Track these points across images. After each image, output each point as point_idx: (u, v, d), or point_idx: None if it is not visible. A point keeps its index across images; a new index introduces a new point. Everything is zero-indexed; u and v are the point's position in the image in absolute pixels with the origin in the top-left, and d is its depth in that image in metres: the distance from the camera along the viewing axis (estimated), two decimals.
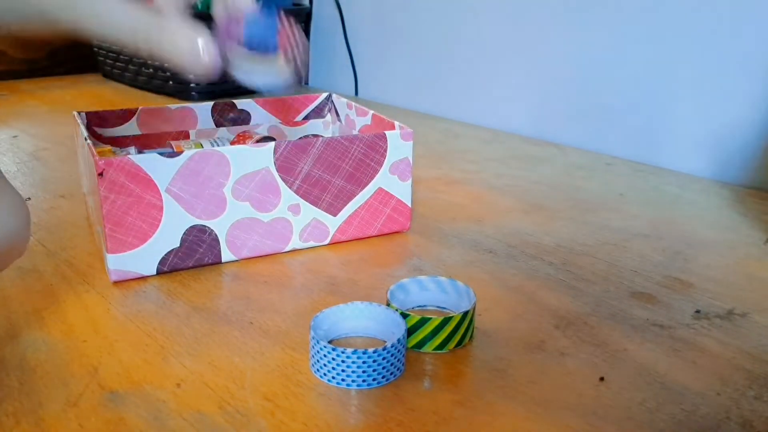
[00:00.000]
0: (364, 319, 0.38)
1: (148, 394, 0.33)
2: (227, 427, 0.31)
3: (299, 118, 0.66)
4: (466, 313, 0.38)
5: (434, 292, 0.42)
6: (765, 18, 0.67)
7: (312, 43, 1.21)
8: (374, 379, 0.34)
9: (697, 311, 0.43)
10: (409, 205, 0.53)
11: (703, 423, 0.32)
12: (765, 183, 0.69)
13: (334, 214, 0.50)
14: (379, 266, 0.48)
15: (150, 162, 0.43)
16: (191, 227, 0.46)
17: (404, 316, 0.37)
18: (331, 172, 0.49)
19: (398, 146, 0.51)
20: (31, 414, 0.32)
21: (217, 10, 0.43)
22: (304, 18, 1.16)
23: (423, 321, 0.37)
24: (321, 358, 0.34)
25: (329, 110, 0.67)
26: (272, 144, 0.47)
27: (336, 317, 0.38)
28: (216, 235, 0.47)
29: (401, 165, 0.52)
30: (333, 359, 0.34)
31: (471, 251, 0.51)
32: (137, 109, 0.58)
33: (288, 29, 0.44)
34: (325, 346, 0.34)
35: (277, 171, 0.47)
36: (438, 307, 0.42)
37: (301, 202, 0.49)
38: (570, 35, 0.83)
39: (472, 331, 0.39)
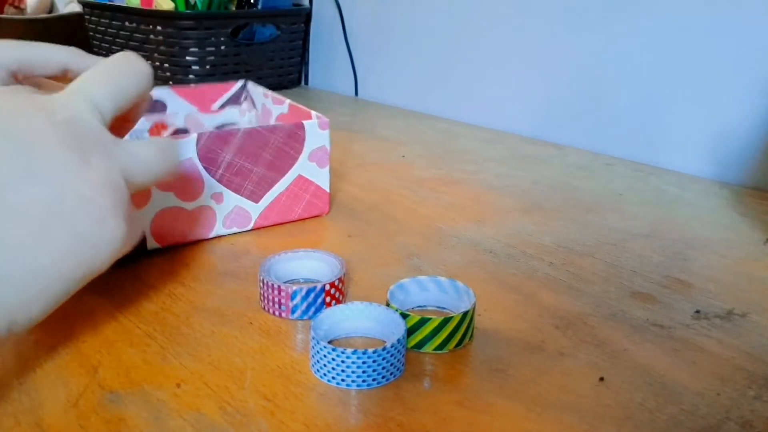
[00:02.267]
0: (364, 320, 0.38)
1: (148, 395, 0.33)
2: (227, 427, 0.31)
3: (215, 106, 0.66)
4: (465, 313, 0.38)
5: (434, 292, 0.42)
6: (765, 18, 0.67)
7: (312, 44, 1.21)
8: (374, 379, 0.34)
9: (697, 311, 0.43)
10: (328, 190, 0.56)
11: (703, 423, 0.32)
12: (765, 183, 0.69)
13: (256, 201, 0.52)
14: (378, 266, 0.48)
15: None
16: None
17: (404, 316, 0.37)
18: (252, 161, 0.51)
19: (315, 135, 0.53)
20: (31, 414, 0.32)
21: None
22: (304, 18, 1.16)
23: (423, 321, 0.37)
24: (321, 359, 0.34)
25: (245, 98, 0.67)
26: (195, 135, 0.48)
27: (336, 317, 0.38)
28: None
29: (319, 153, 0.54)
30: (333, 359, 0.34)
31: (471, 251, 0.51)
32: None
33: None
34: (324, 347, 0.34)
35: (200, 161, 0.49)
36: (438, 307, 0.42)
37: (224, 190, 0.51)
38: (570, 36, 0.83)
39: (472, 331, 0.39)
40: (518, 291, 0.45)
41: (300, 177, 0.54)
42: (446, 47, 0.99)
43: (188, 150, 0.48)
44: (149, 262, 0.48)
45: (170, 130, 0.62)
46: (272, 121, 0.63)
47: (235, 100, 0.67)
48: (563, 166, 0.74)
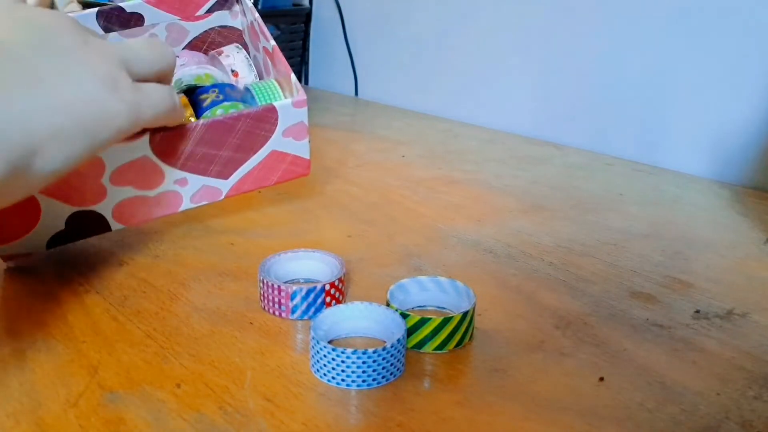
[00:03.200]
0: (364, 320, 0.38)
1: (148, 395, 0.33)
2: (227, 427, 0.31)
3: (201, 11, 0.61)
4: (465, 313, 0.38)
5: (434, 292, 0.42)
6: (765, 18, 0.67)
7: (312, 44, 1.21)
8: (374, 379, 0.34)
9: (697, 311, 0.43)
10: (308, 157, 0.53)
11: (703, 423, 0.32)
12: (765, 183, 0.69)
13: (226, 178, 0.50)
14: (378, 266, 0.48)
15: None
16: (73, 213, 0.47)
17: (404, 316, 0.37)
18: (217, 147, 0.49)
19: (290, 114, 0.50)
20: (31, 414, 0.32)
21: None
22: (304, 18, 1.16)
23: (423, 321, 0.37)
24: (321, 359, 0.34)
25: (232, 3, 0.62)
26: (146, 136, 0.46)
27: (336, 317, 0.38)
28: (101, 214, 0.47)
29: (296, 128, 0.51)
30: (333, 359, 0.34)
31: (470, 251, 0.51)
32: None
33: None
34: (324, 347, 0.34)
35: (157, 156, 0.47)
36: (438, 307, 0.42)
37: (188, 175, 0.49)
38: (570, 36, 0.83)
39: (472, 331, 0.39)
40: (518, 291, 0.45)
41: (274, 152, 0.51)
42: (446, 47, 0.99)
43: (142, 149, 0.46)
44: (149, 261, 0.48)
45: None
46: (260, 46, 0.59)
47: (221, 4, 0.61)
48: (563, 166, 0.74)
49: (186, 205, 0.50)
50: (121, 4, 0.58)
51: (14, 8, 0.33)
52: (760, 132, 0.69)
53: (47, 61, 0.31)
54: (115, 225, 0.48)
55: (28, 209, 0.45)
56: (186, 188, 0.49)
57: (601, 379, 0.36)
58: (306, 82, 1.24)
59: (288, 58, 1.15)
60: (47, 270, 0.47)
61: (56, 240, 0.47)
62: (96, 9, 0.57)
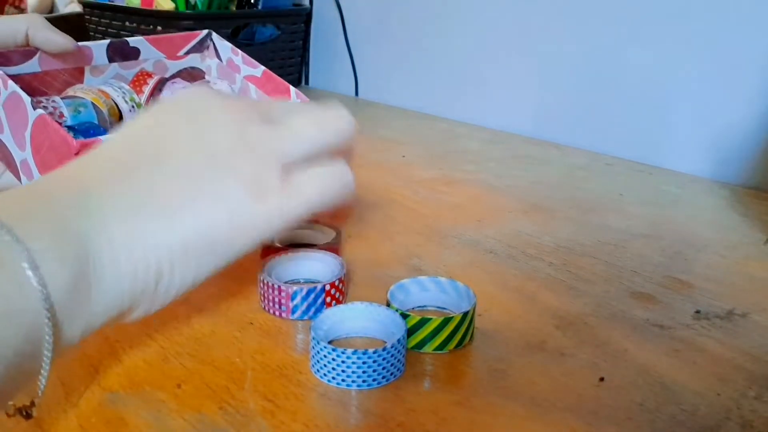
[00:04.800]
0: (365, 320, 0.38)
1: (149, 395, 0.33)
2: (227, 427, 0.31)
3: (182, 52, 0.70)
4: (466, 314, 0.38)
5: (434, 292, 0.42)
6: (765, 18, 0.67)
7: (312, 44, 1.21)
8: (374, 380, 0.34)
9: (697, 311, 0.43)
10: None
11: (703, 423, 0.32)
12: (765, 183, 0.69)
13: None
14: (378, 266, 0.48)
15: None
16: None
17: (404, 316, 0.37)
18: None
19: None
20: None
21: None
22: (304, 18, 1.16)
23: (423, 321, 0.37)
24: (321, 359, 0.34)
25: (207, 47, 0.72)
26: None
27: (336, 318, 0.38)
28: None
29: None
30: (333, 359, 0.34)
31: (471, 251, 0.51)
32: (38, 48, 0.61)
33: None
34: (325, 347, 0.34)
35: None
36: (438, 307, 0.42)
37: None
38: (570, 36, 0.83)
39: (473, 331, 0.39)
40: (518, 291, 0.45)
41: None
42: (446, 47, 0.99)
43: None
44: None
45: (156, 78, 0.65)
46: (239, 78, 0.67)
47: (198, 48, 0.71)
48: (563, 166, 0.74)
49: None
50: (126, 39, 0.66)
51: (189, 101, 0.31)
52: (759, 132, 0.69)
53: (193, 173, 0.29)
54: None
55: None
56: None
57: (602, 379, 0.36)
58: (306, 82, 1.24)
59: (288, 58, 1.15)
60: None
61: None
62: (108, 41, 0.65)
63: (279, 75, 1.19)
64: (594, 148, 0.81)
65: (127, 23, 1.07)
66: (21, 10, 1.39)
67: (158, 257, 0.27)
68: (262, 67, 0.64)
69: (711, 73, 0.71)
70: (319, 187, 0.32)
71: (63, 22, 1.27)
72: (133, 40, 0.66)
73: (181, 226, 0.28)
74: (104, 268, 0.26)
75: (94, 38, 1.16)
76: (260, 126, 0.31)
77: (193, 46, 0.70)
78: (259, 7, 1.08)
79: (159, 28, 1.01)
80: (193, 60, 0.71)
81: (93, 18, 1.15)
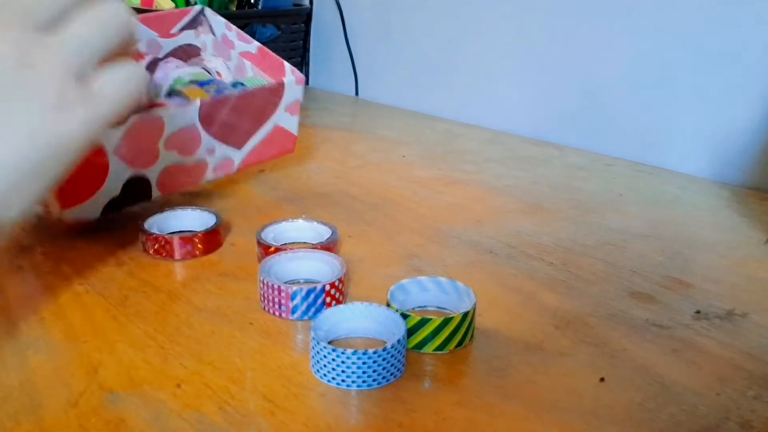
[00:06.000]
0: (365, 320, 0.38)
1: (148, 395, 0.33)
2: (227, 427, 0.31)
3: (175, 30, 0.70)
4: (466, 314, 0.38)
5: (434, 292, 0.42)
6: (765, 18, 0.67)
7: (312, 44, 1.21)
8: (374, 380, 0.34)
9: (697, 311, 0.43)
10: (295, 133, 0.64)
11: (703, 423, 0.32)
12: (765, 183, 0.69)
13: (239, 148, 0.59)
14: (378, 266, 0.48)
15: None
16: (129, 178, 0.52)
17: (404, 316, 0.37)
18: (241, 117, 0.58)
19: (292, 89, 0.61)
20: (31, 414, 0.32)
21: None
22: (304, 18, 1.16)
23: (423, 321, 0.37)
24: (321, 359, 0.34)
25: (201, 23, 0.72)
26: (197, 102, 0.54)
27: (336, 318, 0.38)
28: (148, 180, 0.54)
29: (293, 105, 0.62)
30: (333, 360, 0.34)
31: (471, 251, 0.51)
32: None
33: None
34: (325, 347, 0.34)
35: (201, 123, 0.55)
36: (438, 307, 0.42)
37: (217, 144, 0.57)
38: (570, 36, 0.83)
39: (473, 331, 0.39)
40: (518, 291, 0.45)
41: (276, 126, 0.61)
42: (446, 47, 0.99)
43: (192, 116, 0.54)
44: (149, 261, 0.48)
45: (149, 59, 0.65)
46: (234, 54, 0.69)
47: (191, 24, 0.71)
48: (563, 166, 0.74)
49: (208, 176, 0.58)
50: None
51: None
52: (760, 132, 0.69)
53: None
54: (155, 193, 0.54)
55: (95, 171, 0.50)
56: (212, 158, 0.57)
57: (602, 379, 0.36)
58: (306, 82, 1.24)
59: (288, 58, 1.15)
60: (47, 270, 0.47)
61: (111, 206, 0.52)
62: None
63: None
64: (594, 148, 0.81)
65: None
66: None
67: None
68: (257, 43, 0.65)
69: (711, 73, 0.71)
70: (118, 88, 0.32)
71: None
72: None
73: None
74: None
75: None
76: (38, 42, 0.30)
77: (187, 23, 0.70)
78: (259, 7, 1.08)
79: None
80: (188, 37, 0.71)
81: None
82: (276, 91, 0.60)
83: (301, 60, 1.19)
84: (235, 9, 1.08)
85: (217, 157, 0.58)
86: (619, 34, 0.78)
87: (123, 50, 0.33)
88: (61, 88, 0.30)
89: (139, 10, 1.04)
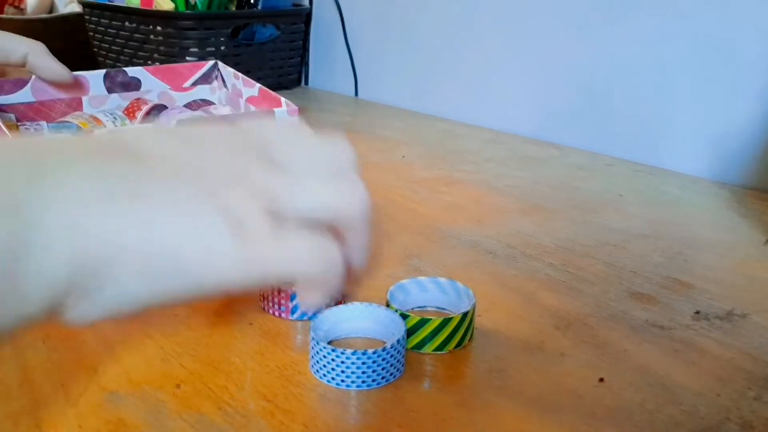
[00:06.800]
0: (364, 320, 0.38)
1: (148, 395, 0.33)
2: (227, 427, 0.31)
3: (187, 84, 0.70)
4: (465, 314, 0.38)
5: (434, 292, 0.42)
6: (765, 18, 0.67)
7: (312, 44, 1.21)
8: (374, 380, 0.34)
9: (697, 312, 0.43)
10: None
11: (703, 424, 0.32)
12: (765, 183, 0.69)
13: None
14: (378, 266, 0.48)
15: None
16: None
17: (404, 317, 0.37)
18: None
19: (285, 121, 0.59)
20: (31, 414, 0.32)
21: None
22: (304, 18, 1.16)
23: (423, 322, 0.37)
24: (321, 359, 0.34)
25: (216, 77, 0.72)
26: (174, 123, 0.52)
27: (336, 318, 0.38)
28: None
29: None
30: (333, 360, 0.34)
31: (470, 252, 0.51)
32: (31, 76, 0.60)
33: None
34: (324, 347, 0.34)
35: None
36: (437, 307, 0.42)
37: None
38: (570, 36, 0.83)
39: (472, 331, 0.39)
40: (518, 292, 0.45)
41: None
42: (446, 47, 0.99)
43: None
44: None
45: (150, 105, 0.65)
46: (242, 102, 0.67)
47: (205, 79, 0.71)
48: (563, 166, 0.74)
49: None
50: (124, 69, 0.66)
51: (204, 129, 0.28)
52: (760, 133, 0.69)
53: (173, 184, 0.25)
54: None
55: None
56: None
57: (601, 379, 0.36)
58: (306, 83, 1.24)
59: (288, 58, 1.15)
60: None
61: None
62: (104, 71, 0.65)
63: (279, 75, 1.19)
64: (594, 148, 0.81)
65: (126, 23, 1.07)
66: (20, 11, 1.39)
67: (106, 254, 0.24)
68: (258, 86, 0.65)
69: (711, 73, 0.71)
70: (309, 251, 0.27)
71: (63, 22, 1.27)
72: (132, 70, 0.66)
73: (142, 232, 0.24)
74: (37, 243, 0.22)
75: (94, 38, 1.17)
76: (257, 163, 0.27)
77: (200, 77, 0.71)
78: (259, 7, 1.08)
79: (159, 28, 1.01)
80: (202, 92, 0.71)
81: (93, 18, 1.15)
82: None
83: (300, 60, 1.19)
84: (235, 9, 1.08)
85: None
86: (619, 35, 0.78)
87: (342, 229, 0.29)
88: (252, 214, 0.26)
89: (140, 12, 1.04)
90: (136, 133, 0.27)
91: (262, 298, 0.42)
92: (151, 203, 0.25)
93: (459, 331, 0.37)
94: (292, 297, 0.40)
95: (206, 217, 0.25)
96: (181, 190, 0.26)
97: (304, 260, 0.27)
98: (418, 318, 0.37)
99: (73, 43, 1.18)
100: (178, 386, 0.34)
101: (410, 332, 0.37)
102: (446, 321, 0.37)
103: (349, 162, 0.30)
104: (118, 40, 1.10)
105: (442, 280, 0.42)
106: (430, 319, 0.37)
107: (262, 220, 0.26)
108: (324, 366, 0.34)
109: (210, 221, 0.25)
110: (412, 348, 0.38)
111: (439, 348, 0.37)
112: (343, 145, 0.30)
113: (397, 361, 0.35)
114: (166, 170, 0.26)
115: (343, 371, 0.34)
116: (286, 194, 0.27)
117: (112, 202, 0.24)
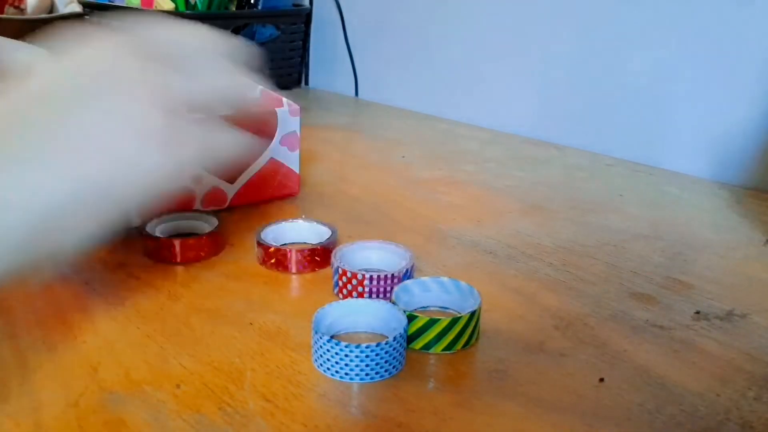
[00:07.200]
0: (365, 315, 0.39)
1: (148, 395, 0.33)
2: (227, 427, 0.31)
3: None
4: (473, 313, 0.37)
5: (437, 292, 0.42)
6: (765, 19, 0.67)
7: (312, 44, 1.21)
8: (377, 373, 0.34)
9: (697, 312, 0.43)
10: (298, 171, 0.60)
11: (703, 424, 0.32)
12: (765, 184, 0.69)
13: (231, 182, 0.56)
14: None
15: None
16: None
17: (411, 318, 0.37)
18: None
19: (287, 121, 0.58)
20: (31, 414, 0.32)
21: None
22: (304, 18, 1.16)
23: (431, 322, 0.37)
24: (324, 353, 0.35)
25: None
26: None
27: (337, 313, 0.38)
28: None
29: (290, 137, 0.59)
30: (336, 354, 0.34)
31: (471, 252, 0.51)
32: None
33: None
34: (327, 341, 0.34)
35: None
36: (441, 307, 0.42)
37: (203, 172, 0.55)
38: (570, 36, 0.83)
39: (479, 331, 0.39)
40: (518, 292, 0.45)
41: (272, 159, 0.58)
42: (447, 47, 0.99)
43: None
44: (149, 262, 0.48)
45: None
46: None
47: None
48: (563, 166, 0.74)
49: (197, 206, 0.55)
50: None
51: (75, 55, 0.29)
52: (760, 133, 0.69)
53: (75, 115, 0.27)
54: (135, 220, 0.53)
55: None
56: (200, 187, 0.55)
57: (602, 380, 0.36)
58: (306, 83, 1.24)
59: (288, 58, 1.15)
60: (47, 270, 0.47)
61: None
62: None
63: (279, 75, 1.19)
64: (594, 148, 0.81)
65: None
66: (20, 11, 1.39)
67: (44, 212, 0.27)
68: (260, 87, 0.65)
69: (711, 74, 0.71)
70: (209, 141, 0.31)
71: (63, 22, 1.27)
72: None
73: (65, 180, 0.27)
74: None
75: None
76: (157, 64, 0.29)
77: None
78: (259, 7, 1.08)
79: None
80: None
81: (93, 18, 1.15)
82: (269, 121, 0.57)
83: (300, 60, 1.19)
84: (235, 9, 1.08)
85: (205, 185, 0.55)
86: (619, 35, 0.78)
87: (238, 119, 0.32)
88: (153, 110, 0.28)
89: (138, 12, 1.04)
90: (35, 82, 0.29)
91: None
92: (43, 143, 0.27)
93: (467, 331, 0.37)
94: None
95: (111, 129, 0.27)
96: (83, 111, 0.27)
97: (206, 150, 0.31)
98: (426, 318, 0.37)
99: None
100: (178, 386, 0.34)
101: (418, 333, 0.37)
102: (455, 321, 0.37)
103: (230, 54, 0.33)
104: None
105: (445, 279, 0.42)
106: (439, 319, 0.37)
107: (160, 113, 0.28)
108: (327, 360, 0.34)
109: (114, 132, 0.27)
110: (421, 349, 0.38)
111: (448, 348, 0.37)
112: (225, 38, 0.33)
113: (399, 354, 0.35)
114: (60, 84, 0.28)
115: (346, 364, 0.34)
116: (182, 86, 0.30)
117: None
